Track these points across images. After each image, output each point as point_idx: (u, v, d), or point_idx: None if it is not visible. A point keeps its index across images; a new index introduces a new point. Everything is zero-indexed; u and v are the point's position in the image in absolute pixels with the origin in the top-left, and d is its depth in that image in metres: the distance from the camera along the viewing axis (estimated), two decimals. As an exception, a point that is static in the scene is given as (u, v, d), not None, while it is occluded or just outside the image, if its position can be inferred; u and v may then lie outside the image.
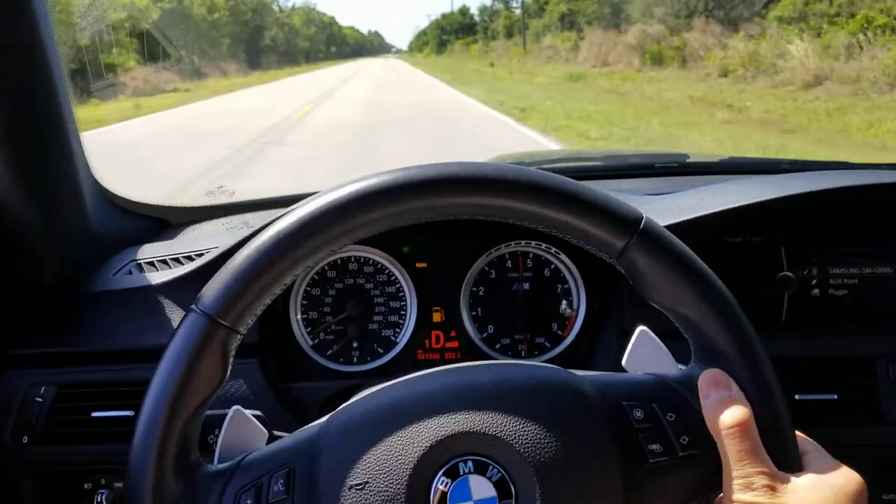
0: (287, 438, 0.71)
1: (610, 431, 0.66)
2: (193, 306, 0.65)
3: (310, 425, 0.71)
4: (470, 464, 0.64)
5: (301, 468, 0.65)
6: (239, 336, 0.66)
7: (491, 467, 0.64)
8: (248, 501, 0.64)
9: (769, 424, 0.65)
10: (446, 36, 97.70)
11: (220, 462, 0.70)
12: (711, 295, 0.67)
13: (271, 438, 0.75)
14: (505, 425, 0.65)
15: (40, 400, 1.06)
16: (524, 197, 0.66)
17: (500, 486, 0.64)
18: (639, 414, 0.68)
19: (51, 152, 1.08)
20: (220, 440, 0.74)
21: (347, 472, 0.64)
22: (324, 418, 0.71)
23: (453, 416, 0.66)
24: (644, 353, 0.77)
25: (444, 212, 0.67)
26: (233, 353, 0.67)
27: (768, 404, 0.66)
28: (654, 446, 0.66)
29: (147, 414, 0.64)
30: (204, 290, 0.65)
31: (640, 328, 0.78)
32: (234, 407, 0.76)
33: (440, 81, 28.11)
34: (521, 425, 0.65)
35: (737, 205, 1.11)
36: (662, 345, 0.77)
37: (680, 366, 0.74)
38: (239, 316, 0.65)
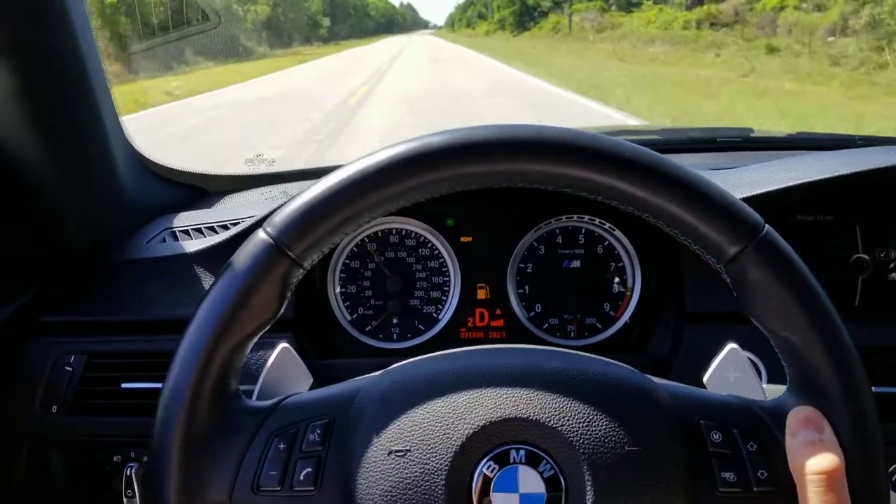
0: (331, 388, 0.67)
1: (681, 449, 0.60)
2: (262, 229, 0.61)
3: (358, 378, 0.67)
4: (522, 453, 0.59)
5: (341, 422, 0.62)
6: (301, 271, 0.62)
7: (544, 461, 0.59)
8: (281, 445, 0.61)
9: (861, 481, 0.58)
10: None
11: (259, 399, 0.67)
12: (824, 324, 0.59)
13: (315, 385, 0.72)
14: (567, 419, 0.59)
15: (69, 369, 1.03)
16: (637, 179, 0.60)
17: (550, 482, 0.58)
18: (717, 437, 0.61)
19: (80, 115, 1.04)
20: (262, 376, 0.72)
21: (389, 436, 0.60)
22: (375, 374, 0.67)
23: (512, 399, 0.61)
24: (731, 373, 0.71)
25: (550, 181, 0.61)
26: (292, 287, 0.63)
27: (865, 458, 0.58)
28: (727, 475, 0.60)
29: (194, 331, 0.61)
30: (275, 214, 0.61)
31: (731, 346, 0.72)
32: (282, 344, 0.74)
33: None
34: (586, 423, 0.59)
35: (810, 179, 1.02)
36: (752, 367, 0.71)
37: (767, 387, 0.67)
38: (306, 249, 0.61)
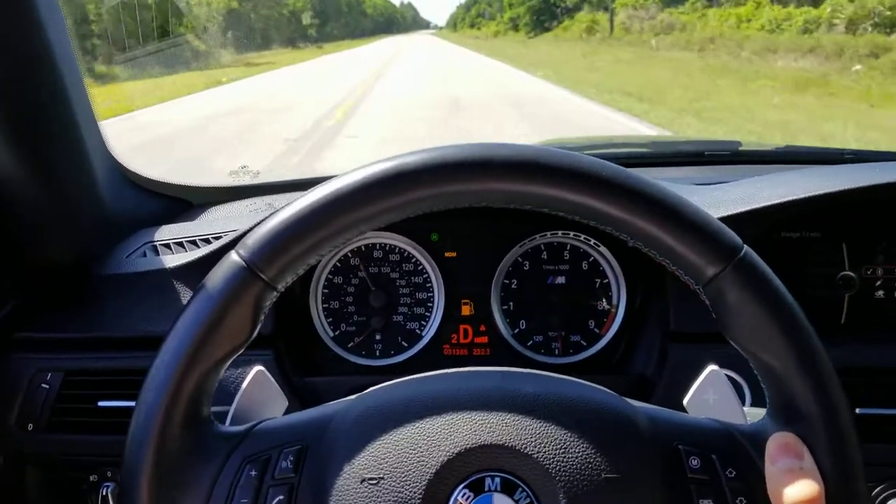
0: (305, 413, 0.66)
1: (660, 476, 0.59)
2: (235, 251, 0.60)
3: (332, 403, 0.66)
4: (497, 481, 0.58)
5: (314, 449, 0.61)
6: (275, 294, 0.61)
7: (520, 489, 0.57)
8: (253, 472, 0.60)
9: None
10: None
11: (232, 424, 0.66)
12: (803, 347, 0.58)
13: (293, 405, 0.71)
14: (544, 446, 0.58)
15: (46, 386, 1.01)
16: (613, 199, 0.59)
17: None
18: (695, 462, 0.60)
19: (59, 126, 1.02)
20: (236, 400, 0.71)
21: (362, 463, 0.59)
22: (349, 398, 0.66)
23: (487, 425, 0.59)
24: (711, 397, 0.70)
25: (526, 201, 0.60)
26: (265, 310, 0.62)
27: (846, 486, 0.57)
28: (705, 502, 0.58)
29: (165, 354, 0.59)
30: (248, 236, 0.60)
31: (712, 368, 0.71)
32: (257, 367, 0.72)
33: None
34: (562, 450, 0.58)
35: (796, 197, 1.01)
36: (733, 390, 0.69)
37: (748, 410, 0.67)
38: (280, 272, 0.60)
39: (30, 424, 1.00)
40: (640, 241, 0.60)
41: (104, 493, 1.00)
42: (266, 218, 0.60)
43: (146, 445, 0.59)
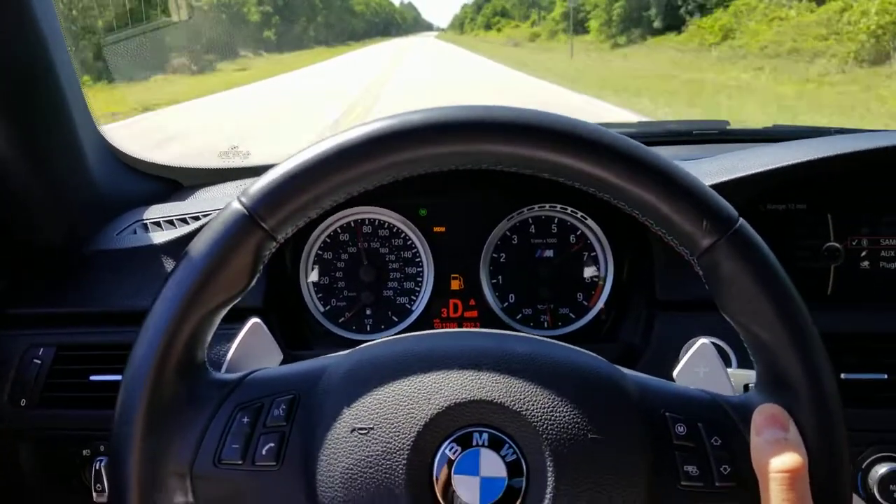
0: (298, 364, 0.67)
1: (645, 440, 0.59)
2: (237, 199, 0.60)
3: (325, 356, 0.67)
4: (485, 436, 0.58)
5: (306, 398, 0.62)
6: (274, 244, 0.62)
7: (507, 445, 0.58)
8: (245, 419, 0.61)
9: (824, 481, 0.57)
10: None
11: (227, 372, 0.67)
12: (793, 320, 0.59)
13: (285, 362, 0.71)
14: (531, 404, 0.59)
15: (38, 361, 1.02)
16: (613, 166, 0.59)
17: (512, 466, 0.58)
18: (681, 429, 0.60)
19: (47, 105, 1.03)
20: (231, 350, 0.72)
21: (353, 413, 0.59)
22: (342, 353, 0.67)
23: (477, 381, 0.60)
24: (700, 368, 0.71)
25: (527, 164, 0.60)
26: (264, 260, 0.63)
27: (829, 458, 0.58)
28: (689, 468, 0.59)
29: (162, 299, 0.60)
30: (250, 185, 0.60)
31: (702, 340, 0.72)
32: (254, 319, 0.73)
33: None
34: (550, 408, 0.59)
35: (779, 165, 1.02)
36: (723, 363, 0.70)
37: (734, 372, 0.67)
38: (281, 222, 0.60)
39: (22, 400, 1.01)
40: (637, 210, 0.61)
41: (97, 468, 1.00)
42: (269, 168, 0.61)
43: (140, 389, 0.59)
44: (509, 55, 30.58)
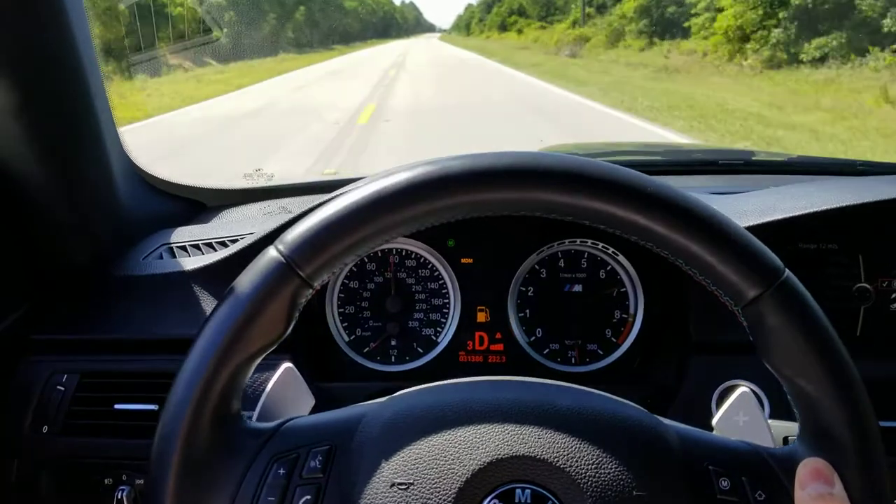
0: (334, 413, 0.66)
1: (689, 495, 0.58)
2: (273, 246, 0.59)
3: (361, 404, 0.66)
4: (528, 493, 0.57)
5: (343, 449, 0.61)
6: (310, 291, 0.61)
7: (550, 502, 0.57)
8: (281, 471, 0.60)
9: None
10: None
11: (259, 420, 0.66)
12: (840, 375, 0.58)
13: (316, 408, 0.70)
14: (575, 461, 0.58)
15: (62, 388, 1.01)
16: (657, 215, 0.58)
17: None
18: (724, 484, 0.59)
19: (79, 129, 1.02)
20: (264, 396, 0.71)
21: (392, 468, 0.58)
22: (378, 400, 0.65)
23: (518, 436, 0.59)
24: (741, 418, 0.70)
25: (570, 212, 0.59)
26: (300, 307, 0.62)
27: None
28: None
29: (199, 348, 0.59)
30: (287, 232, 0.59)
31: (743, 389, 0.71)
32: (286, 364, 0.72)
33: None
34: (594, 465, 0.58)
35: (817, 209, 1.01)
36: (764, 413, 0.69)
37: (773, 423, 0.66)
38: (317, 269, 0.59)
39: (45, 427, 1.00)
40: (681, 259, 0.60)
41: (120, 497, 0.99)
42: (306, 214, 0.60)
43: (175, 439, 0.58)
44: (591, 79, 16.91)
